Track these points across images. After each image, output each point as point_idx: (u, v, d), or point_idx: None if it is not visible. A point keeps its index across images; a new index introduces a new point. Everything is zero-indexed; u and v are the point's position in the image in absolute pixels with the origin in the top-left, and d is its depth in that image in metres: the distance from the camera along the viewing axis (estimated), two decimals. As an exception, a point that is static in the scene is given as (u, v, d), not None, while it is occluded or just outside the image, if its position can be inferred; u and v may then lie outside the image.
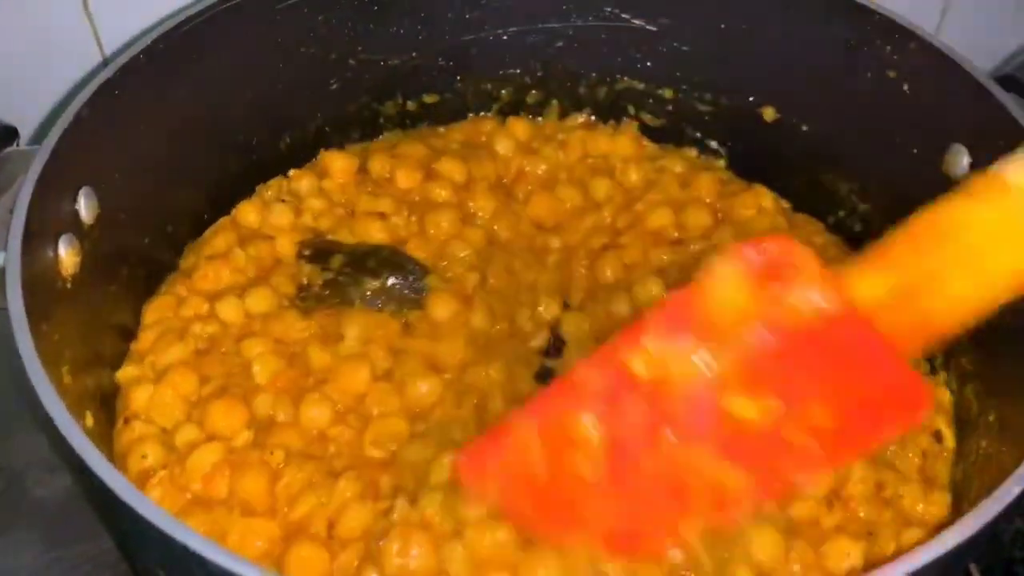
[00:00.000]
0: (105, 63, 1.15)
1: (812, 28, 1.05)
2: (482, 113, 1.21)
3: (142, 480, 0.86)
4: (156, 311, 0.98)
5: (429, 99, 1.19)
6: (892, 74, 1.00)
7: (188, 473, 0.85)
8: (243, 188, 1.10)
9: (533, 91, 1.21)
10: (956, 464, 0.91)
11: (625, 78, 1.18)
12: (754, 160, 1.16)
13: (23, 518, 0.96)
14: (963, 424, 0.93)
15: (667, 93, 1.18)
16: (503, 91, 1.20)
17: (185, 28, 0.96)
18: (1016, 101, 0.91)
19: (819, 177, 1.12)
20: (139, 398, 0.91)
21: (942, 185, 0.93)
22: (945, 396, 0.95)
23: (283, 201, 1.07)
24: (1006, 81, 1.12)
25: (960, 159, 0.94)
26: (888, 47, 0.99)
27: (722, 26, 1.10)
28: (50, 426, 0.67)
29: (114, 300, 0.94)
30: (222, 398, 0.90)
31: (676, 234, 1.09)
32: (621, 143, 1.17)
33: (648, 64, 1.17)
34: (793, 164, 1.14)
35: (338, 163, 1.12)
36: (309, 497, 0.84)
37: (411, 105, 1.19)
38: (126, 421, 0.90)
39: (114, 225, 0.91)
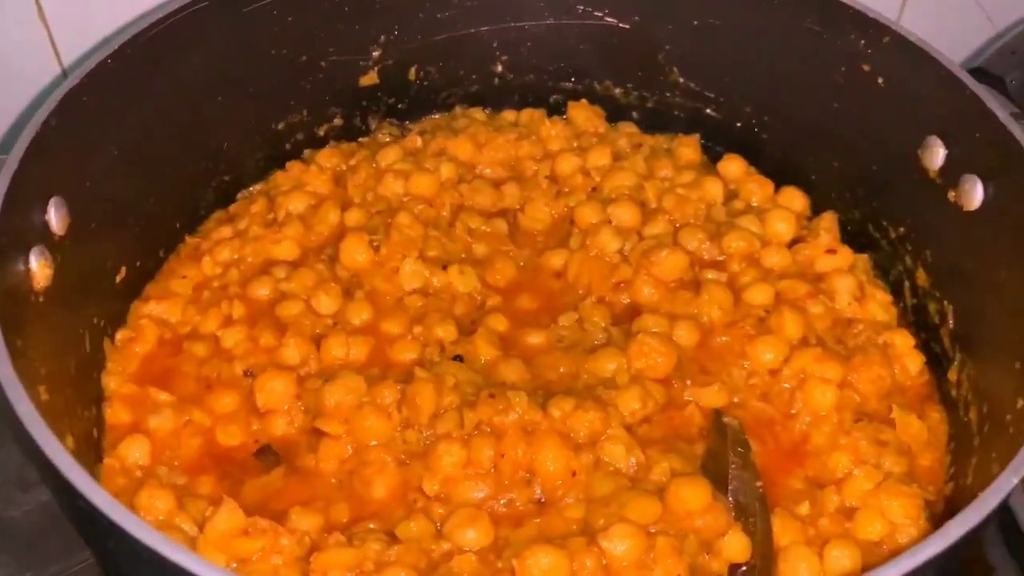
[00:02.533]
0: (64, 74, 1.13)
1: (783, 22, 1.05)
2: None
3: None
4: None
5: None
6: (866, 67, 1.00)
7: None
8: (218, 193, 1.09)
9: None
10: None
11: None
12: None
13: (-5, 541, 0.93)
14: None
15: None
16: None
17: (152, 32, 0.94)
18: (990, 93, 0.92)
19: (793, 174, 1.12)
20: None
21: (919, 177, 0.96)
22: None
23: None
24: (976, 74, 1.13)
25: (936, 151, 0.95)
26: (862, 41, 1.00)
27: (695, 23, 1.11)
28: (32, 447, 0.65)
29: (88, 312, 0.92)
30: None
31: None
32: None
33: (616, 62, 1.17)
34: (767, 159, 1.14)
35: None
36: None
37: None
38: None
39: (86, 235, 0.89)
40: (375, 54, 1.14)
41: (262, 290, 1.01)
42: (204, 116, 1.04)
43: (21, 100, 1.13)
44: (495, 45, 1.18)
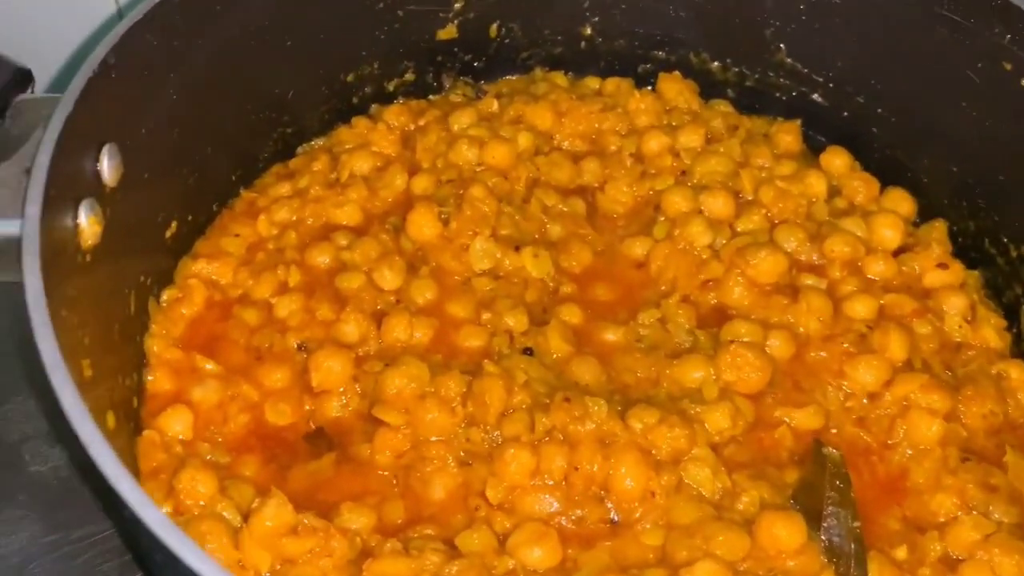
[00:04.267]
0: (120, 14, 1.05)
1: (912, 5, 0.95)
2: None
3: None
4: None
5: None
6: (1008, 66, 0.90)
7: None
8: (279, 146, 1.02)
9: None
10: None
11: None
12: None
13: (18, 496, 0.88)
14: None
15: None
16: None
17: None
18: None
19: (900, 174, 1.02)
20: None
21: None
22: None
23: None
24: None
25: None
26: (1008, 36, 0.89)
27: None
28: (70, 436, 0.58)
29: (134, 270, 0.85)
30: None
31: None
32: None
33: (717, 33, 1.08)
34: (874, 155, 1.04)
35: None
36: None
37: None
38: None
39: (139, 186, 0.81)
40: (457, 6, 1.06)
41: (322, 257, 0.94)
42: (269, 62, 0.96)
43: (75, 37, 1.06)
44: (586, 5, 1.09)
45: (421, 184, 0.99)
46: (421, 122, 1.05)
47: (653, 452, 0.80)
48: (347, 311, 0.89)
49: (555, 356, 0.88)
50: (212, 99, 0.91)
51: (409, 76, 1.08)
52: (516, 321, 0.90)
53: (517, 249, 0.94)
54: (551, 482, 0.79)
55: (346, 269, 0.92)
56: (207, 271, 0.93)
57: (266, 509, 0.73)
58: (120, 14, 1.07)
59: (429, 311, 0.91)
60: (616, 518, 0.78)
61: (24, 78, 0.84)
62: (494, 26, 1.08)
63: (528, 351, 0.88)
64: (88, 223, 0.74)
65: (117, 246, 0.78)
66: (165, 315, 0.89)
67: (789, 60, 1.07)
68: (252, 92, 0.97)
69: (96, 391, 0.70)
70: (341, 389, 0.85)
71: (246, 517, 0.74)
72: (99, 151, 0.77)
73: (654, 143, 1.03)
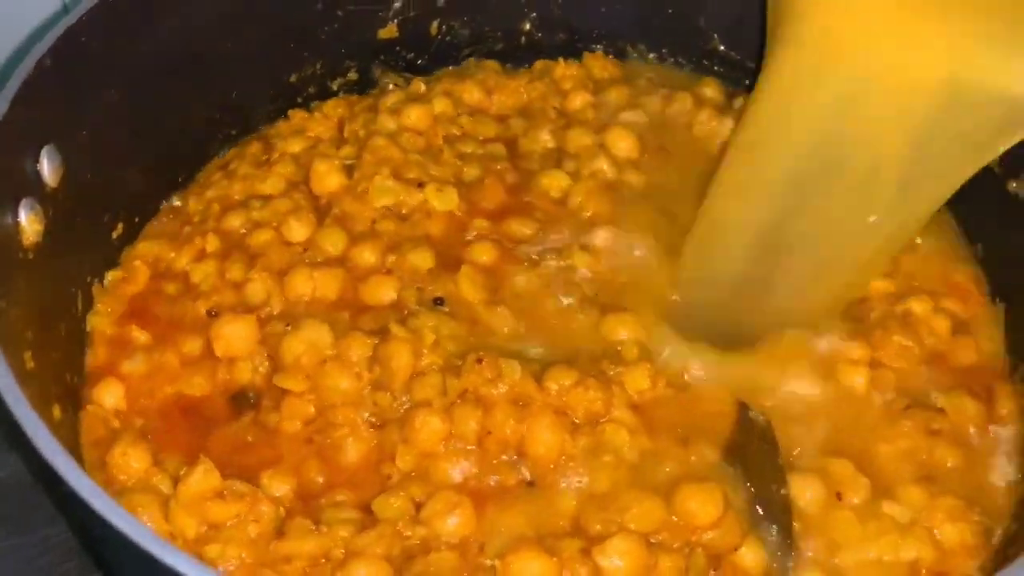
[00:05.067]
0: (66, 9, 1.05)
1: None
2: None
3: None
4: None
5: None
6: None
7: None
8: (224, 146, 1.03)
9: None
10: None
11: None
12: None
13: (-25, 501, 0.89)
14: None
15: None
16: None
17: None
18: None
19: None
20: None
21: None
22: None
23: None
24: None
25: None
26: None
27: None
28: (13, 426, 0.59)
29: (82, 270, 0.86)
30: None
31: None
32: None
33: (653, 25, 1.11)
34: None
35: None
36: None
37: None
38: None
39: (81, 187, 0.82)
40: (396, 5, 1.07)
41: (236, 221, 0.93)
42: (212, 63, 0.97)
43: (16, 35, 1.06)
44: (524, 0, 1.11)
45: (343, 153, 0.98)
46: (355, 110, 1.05)
47: (569, 414, 0.79)
48: (254, 270, 0.88)
49: (469, 303, 0.86)
50: (155, 101, 0.92)
51: (352, 75, 1.09)
52: (421, 259, 0.89)
53: (421, 186, 0.94)
54: (465, 447, 0.77)
55: (258, 227, 0.92)
56: (150, 251, 0.92)
57: (193, 476, 0.73)
58: (66, 8, 1.07)
59: (335, 263, 0.89)
60: (533, 481, 0.77)
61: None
62: (435, 24, 1.10)
63: (439, 300, 0.87)
64: (28, 222, 0.75)
65: (61, 245, 0.80)
66: (110, 295, 0.89)
67: (723, 48, 1.10)
68: (196, 93, 0.98)
69: (39, 382, 0.71)
70: (248, 354, 0.84)
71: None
72: (39, 152, 0.78)
73: (578, 100, 1.06)
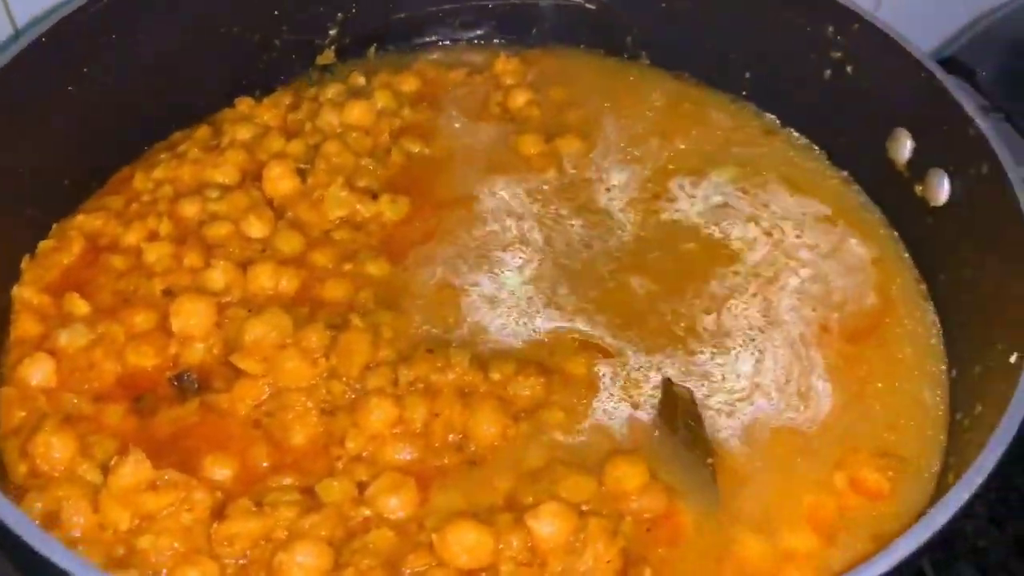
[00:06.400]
0: (17, 35, 1.08)
1: (757, 7, 1.02)
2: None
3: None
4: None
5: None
6: (837, 55, 0.98)
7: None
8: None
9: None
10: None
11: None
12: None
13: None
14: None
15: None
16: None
17: (93, 8, 0.91)
18: (959, 85, 0.90)
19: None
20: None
21: (889, 170, 0.94)
22: None
23: None
24: (948, 63, 1.11)
25: (904, 143, 0.93)
26: (831, 27, 0.97)
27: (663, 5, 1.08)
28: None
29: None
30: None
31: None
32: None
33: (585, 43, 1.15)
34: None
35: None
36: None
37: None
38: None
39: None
40: (332, 32, 1.10)
41: (192, 209, 0.94)
42: (151, 95, 1.00)
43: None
44: (457, 23, 1.14)
45: (294, 148, 1.00)
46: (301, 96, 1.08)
47: (511, 401, 0.83)
48: (215, 258, 0.89)
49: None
50: (94, 128, 0.95)
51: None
52: (378, 268, 0.92)
53: (375, 197, 0.97)
54: (412, 432, 0.80)
55: (215, 219, 0.93)
56: (90, 225, 0.93)
57: (124, 467, 0.73)
58: (17, 34, 1.09)
59: (295, 262, 0.91)
60: (475, 461, 0.80)
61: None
62: (371, 49, 1.14)
63: None
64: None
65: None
66: (39, 264, 0.90)
67: (649, 63, 1.13)
68: (134, 121, 1.00)
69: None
70: (203, 334, 0.84)
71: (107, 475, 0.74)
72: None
73: (520, 97, 1.09)
